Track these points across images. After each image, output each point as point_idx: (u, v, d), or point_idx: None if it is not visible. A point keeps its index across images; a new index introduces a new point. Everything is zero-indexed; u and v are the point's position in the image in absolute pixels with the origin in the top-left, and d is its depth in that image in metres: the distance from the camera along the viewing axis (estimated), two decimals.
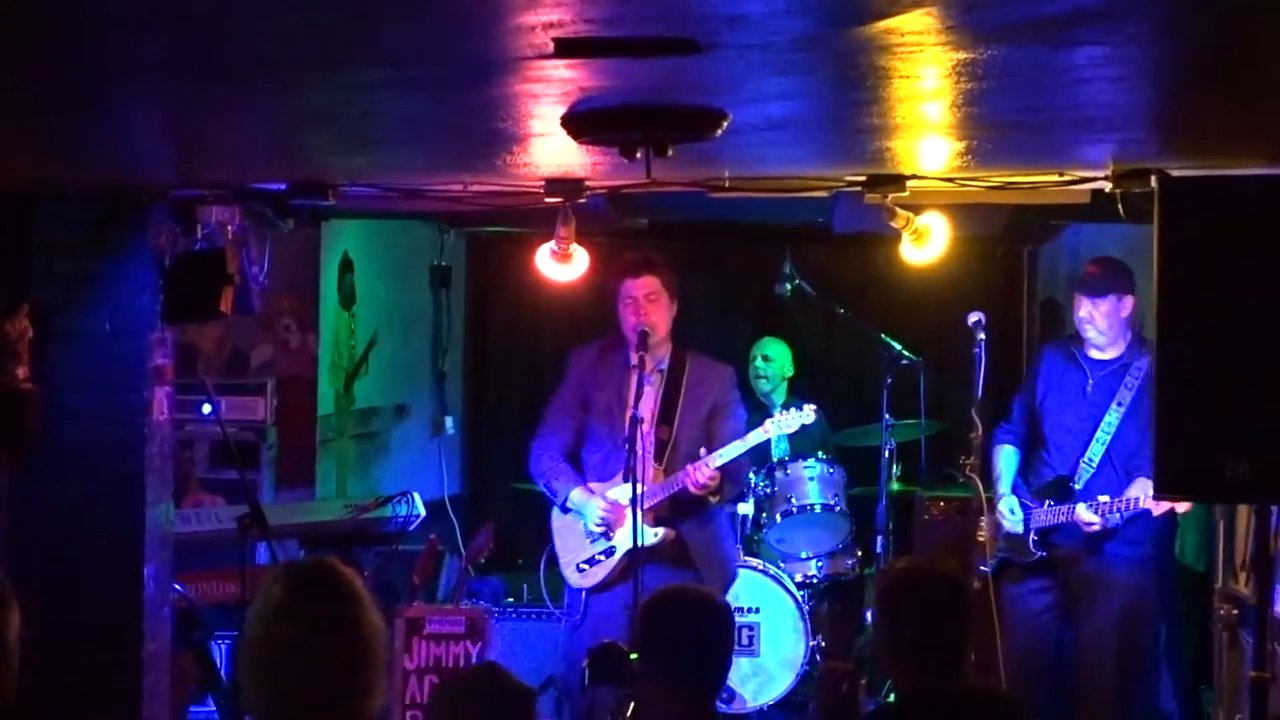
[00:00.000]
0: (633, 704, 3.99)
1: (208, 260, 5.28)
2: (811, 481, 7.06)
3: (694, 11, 2.67)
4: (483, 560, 6.42)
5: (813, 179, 5.04)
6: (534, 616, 6.76)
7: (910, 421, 7.23)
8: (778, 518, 7.01)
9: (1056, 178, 4.89)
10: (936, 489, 7.30)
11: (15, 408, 5.04)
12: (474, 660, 5.91)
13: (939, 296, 7.57)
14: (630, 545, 5.44)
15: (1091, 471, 5.72)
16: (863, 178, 4.93)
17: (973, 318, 6.06)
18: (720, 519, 5.89)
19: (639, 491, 5.33)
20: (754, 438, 5.70)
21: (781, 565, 6.91)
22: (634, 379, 5.70)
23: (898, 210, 5.10)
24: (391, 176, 5.20)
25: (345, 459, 7.81)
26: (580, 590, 5.82)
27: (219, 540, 6.03)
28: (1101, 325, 5.70)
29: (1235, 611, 5.48)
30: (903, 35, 2.74)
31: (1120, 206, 4.78)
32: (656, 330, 5.68)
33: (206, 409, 6.58)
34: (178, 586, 5.61)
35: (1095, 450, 5.72)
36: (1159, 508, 5.47)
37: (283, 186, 5.18)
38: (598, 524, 5.68)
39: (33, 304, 5.11)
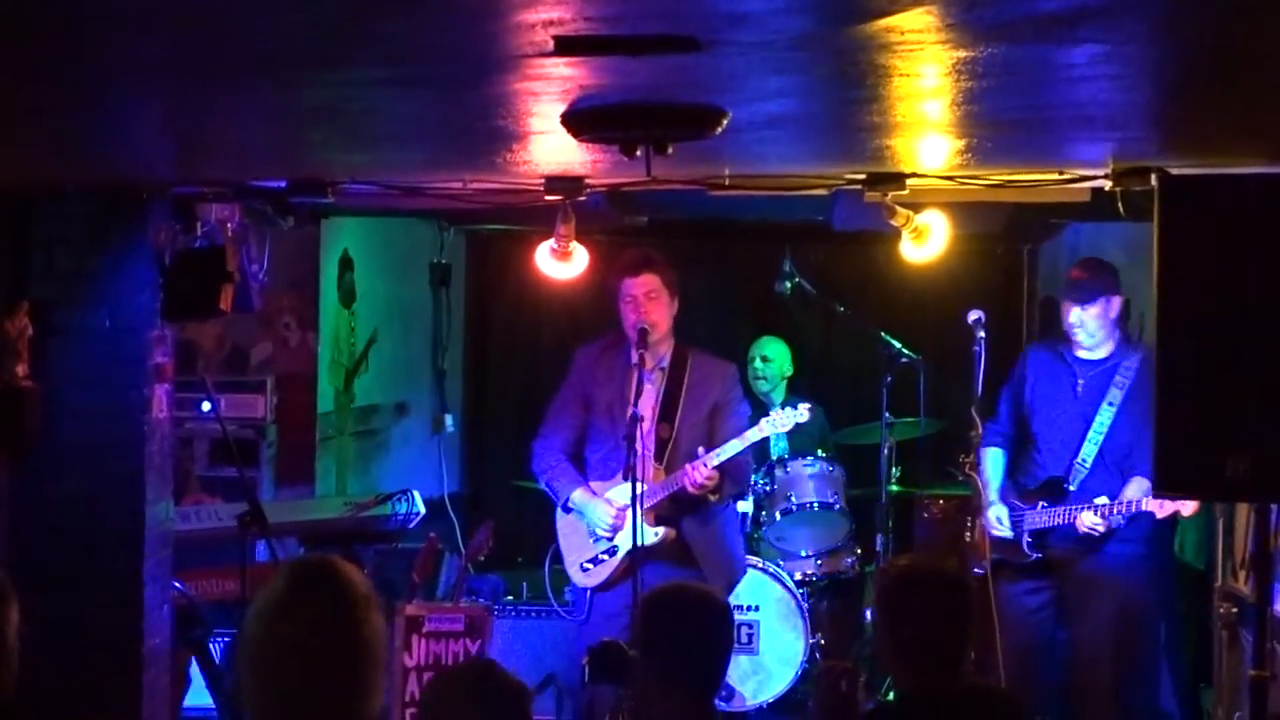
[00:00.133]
0: (632, 702, 3.99)
1: (208, 258, 5.28)
2: (811, 480, 7.06)
3: (694, 9, 2.67)
4: (482, 558, 6.42)
5: (813, 177, 5.04)
6: (534, 614, 6.76)
7: (910, 420, 7.23)
8: (777, 515, 7.01)
9: (1056, 176, 4.89)
10: (936, 487, 7.30)
11: (15, 405, 5.05)
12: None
13: (939, 295, 7.57)
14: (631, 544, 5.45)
15: (1086, 472, 5.70)
16: (863, 176, 4.93)
17: (972, 316, 6.05)
18: (724, 517, 5.86)
19: (639, 491, 5.33)
20: (750, 436, 5.70)
21: (781, 563, 6.91)
22: (635, 377, 5.69)
23: (898, 208, 5.10)
24: (391, 174, 5.20)
25: (345, 457, 7.81)
26: (585, 589, 5.82)
27: (219, 538, 6.04)
28: (1093, 328, 5.68)
29: (1235, 610, 5.48)
30: (903, 33, 2.74)
31: (1120, 205, 4.78)
32: (657, 328, 5.67)
33: (206, 407, 6.58)
34: (177, 584, 5.61)
35: (1088, 451, 5.70)
36: (1163, 510, 5.46)
37: (283, 184, 5.18)
38: (604, 529, 5.68)
39: (33, 301, 5.11)
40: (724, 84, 3.34)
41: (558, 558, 6.02)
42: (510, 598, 7.05)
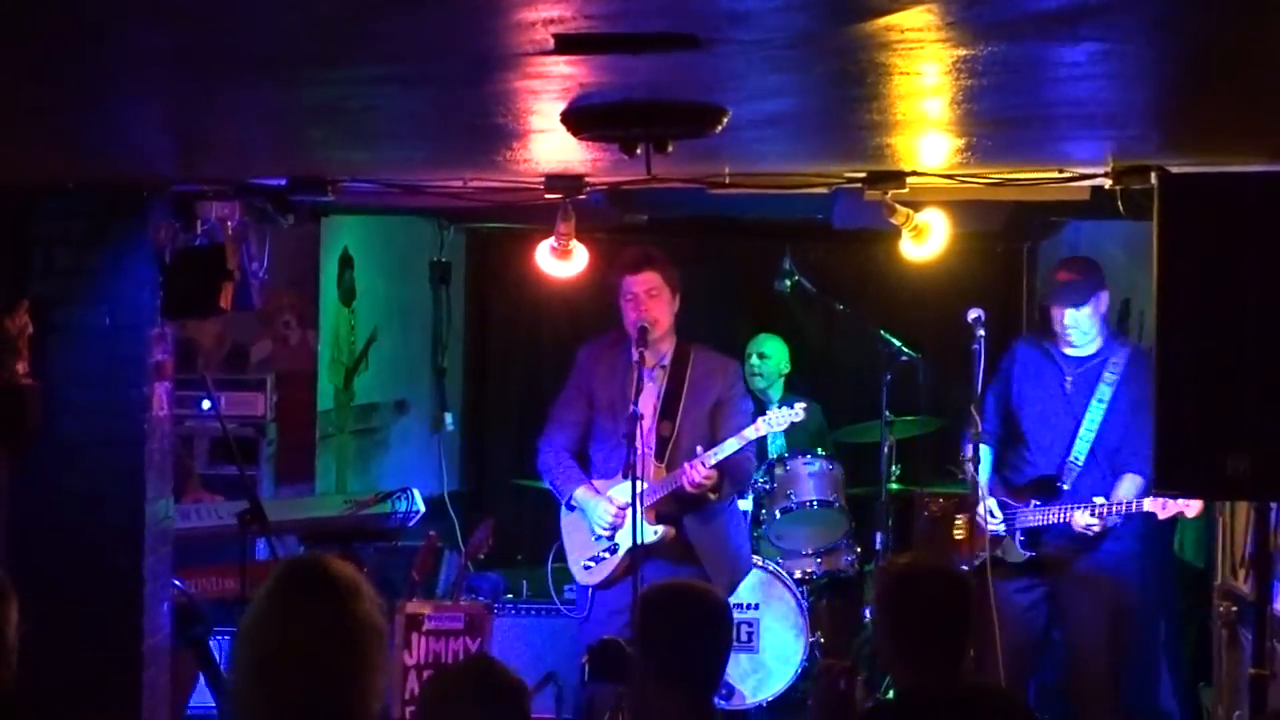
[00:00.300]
0: (632, 700, 3.99)
1: (208, 256, 5.28)
2: (811, 478, 7.06)
3: (694, 8, 2.67)
4: (482, 556, 6.42)
5: (812, 175, 5.04)
6: (533, 612, 6.76)
7: (910, 418, 7.23)
8: (777, 514, 7.01)
9: (1056, 174, 4.89)
10: (936, 485, 7.29)
11: (15, 403, 5.05)
12: None
13: (939, 293, 7.57)
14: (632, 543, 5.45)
15: (1078, 470, 5.67)
16: (863, 174, 4.94)
17: (972, 314, 6.03)
18: (726, 515, 5.85)
19: (639, 489, 5.33)
20: (746, 435, 5.69)
21: (780, 561, 6.91)
22: (635, 375, 5.69)
23: (897, 207, 5.10)
24: (392, 172, 5.20)
25: (345, 455, 7.81)
26: (587, 587, 5.83)
27: (219, 536, 6.04)
28: (1085, 327, 5.66)
29: (1235, 609, 5.47)
30: (902, 32, 2.74)
31: (1120, 203, 4.78)
32: (657, 325, 5.66)
33: (206, 404, 6.60)
34: (177, 582, 5.61)
35: (1080, 449, 5.67)
36: (1165, 511, 5.42)
37: (283, 182, 5.18)
38: (604, 527, 5.68)
39: (33, 299, 5.11)
40: (724, 82, 3.34)
41: (560, 555, 6.03)
42: (510, 596, 7.05)
